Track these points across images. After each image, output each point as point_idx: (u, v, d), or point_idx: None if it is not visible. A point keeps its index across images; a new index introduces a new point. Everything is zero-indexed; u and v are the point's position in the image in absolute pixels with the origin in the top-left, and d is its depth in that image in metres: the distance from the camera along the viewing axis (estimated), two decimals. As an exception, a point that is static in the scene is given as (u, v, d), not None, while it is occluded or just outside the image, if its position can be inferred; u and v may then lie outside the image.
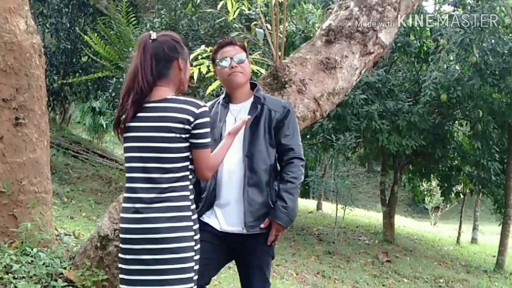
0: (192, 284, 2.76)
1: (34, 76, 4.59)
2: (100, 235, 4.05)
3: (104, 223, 4.09)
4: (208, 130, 2.79)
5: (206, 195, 3.29)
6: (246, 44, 4.64)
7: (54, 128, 15.24)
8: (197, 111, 2.74)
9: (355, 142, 11.23)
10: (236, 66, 3.36)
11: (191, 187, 2.85)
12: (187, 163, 2.79)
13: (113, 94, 11.39)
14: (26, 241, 4.32)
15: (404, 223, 19.30)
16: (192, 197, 2.83)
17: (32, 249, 4.26)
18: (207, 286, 3.32)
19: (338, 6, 4.62)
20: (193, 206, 2.84)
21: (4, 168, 4.45)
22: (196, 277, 2.81)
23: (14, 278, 3.95)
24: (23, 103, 4.50)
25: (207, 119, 2.80)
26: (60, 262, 4.24)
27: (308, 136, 12.77)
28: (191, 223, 2.78)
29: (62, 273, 4.12)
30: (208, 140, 2.80)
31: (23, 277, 3.98)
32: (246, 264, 3.35)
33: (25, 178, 4.51)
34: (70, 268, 4.19)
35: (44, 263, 4.16)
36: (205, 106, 2.80)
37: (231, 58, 3.37)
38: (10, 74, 4.45)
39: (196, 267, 2.81)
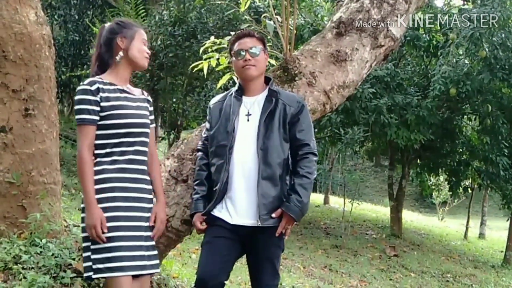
0: None
1: (43, 67, 4.58)
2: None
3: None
4: (79, 107, 3.06)
5: (219, 187, 3.29)
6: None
7: (62, 120, 15.26)
8: None
9: (363, 136, 11.21)
10: (249, 59, 3.35)
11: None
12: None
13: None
14: (35, 232, 4.32)
15: (411, 217, 19.28)
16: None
17: (41, 240, 4.25)
18: None
19: (349, -1, 4.59)
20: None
21: (14, 159, 4.45)
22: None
23: (23, 268, 3.96)
24: (33, 94, 4.49)
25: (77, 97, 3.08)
26: (69, 253, 4.23)
27: (316, 130, 12.74)
28: None
29: (71, 264, 4.12)
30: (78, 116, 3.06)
31: (32, 268, 3.99)
32: (257, 257, 3.34)
33: (34, 169, 4.51)
34: (79, 259, 4.19)
35: (53, 254, 4.16)
36: (82, 84, 3.11)
37: (246, 51, 3.36)
38: (20, 65, 4.44)
39: None
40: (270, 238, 3.26)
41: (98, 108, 3.06)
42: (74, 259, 4.17)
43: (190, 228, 3.70)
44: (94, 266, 3.03)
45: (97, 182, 3.05)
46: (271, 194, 3.23)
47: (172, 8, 11.62)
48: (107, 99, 3.09)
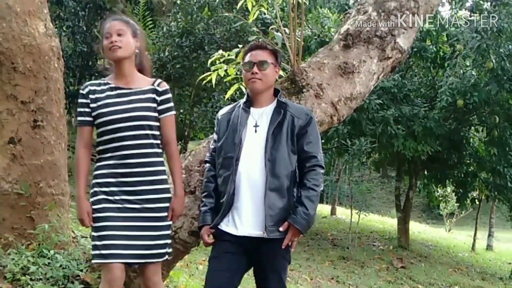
0: None
1: (52, 79, 4.62)
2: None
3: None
4: (77, 110, 3.33)
5: (226, 199, 3.29)
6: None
7: (70, 131, 15.28)
8: None
9: (370, 147, 11.20)
10: (257, 73, 3.35)
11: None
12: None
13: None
14: (43, 243, 4.34)
15: (418, 229, 19.19)
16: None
17: (49, 251, 4.27)
18: None
19: (356, 11, 4.60)
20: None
21: (22, 170, 4.48)
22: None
23: (31, 279, 3.97)
24: (42, 106, 4.53)
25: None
26: (77, 264, 4.25)
27: (323, 141, 12.72)
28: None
29: (78, 276, 4.13)
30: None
31: (40, 279, 4.00)
32: (263, 269, 3.33)
33: (43, 180, 4.53)
34: (87, 270, 4.20)
35: (61, 265, 4.17)
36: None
37: (255, 63, 3.36)
38: (29, 76, 4.48)
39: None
40: (277, 250, 3.24)
41: (89, 110, 3.28)
42: (82, 270, 4.18)
43: (198, 240, 3.71)
44: (92, 252, 3.28)
45: (94, 177, 3.31)
46: (278, 205, 3.22)
47: (179, 20, 11.69)
48: (96, 100, 3.28)
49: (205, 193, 3.45)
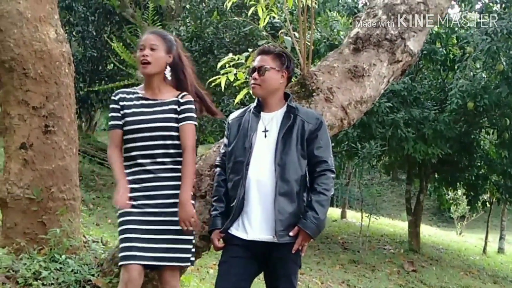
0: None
1: (63, 84, 4.64)
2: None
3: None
4: (109, 114, 3.49)
5: (236, 203, 3.29)
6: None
7: (80, 135, 15.34)
8: None
9: (380, 150, 11.17)
10: (256, 78, 3.36)
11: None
12: None
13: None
14: (54, 247, 4.36)
15: (429, 232, 19.12)
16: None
17: (60, 256, 4.29)
18: None
19: (366, 14, 4.59)
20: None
21: (34, 175, 4.50)
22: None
23: (43, 284, 3.99)
24: (53, 111, 4.55)
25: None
26: (88, 269, 4.26)
27: (332, 144, 12.67)
28: None
29: (90, 280, 4.14)
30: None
31: (52, 284, 4.01)
32: (274, 273, 3.33)
33: (54, 185, 4.55)
34: (98, 275, 4.21)
35: (72, 270, 4.18)
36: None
37: (255, 69, 3.38)
38: (40, 82, 4.51)
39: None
40: (287, 254, 3.24)
41: (119, 115, 3.40)
42: (93, 275, 4.19)
43: (208, 244, 3.72)
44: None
45: None
46: (288, 210, 3.22)
47: (189, 24, 11.71)
48: (124, 107, 3.41)
49: (216, 198, 3.46)
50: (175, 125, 3.36)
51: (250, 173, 3.28)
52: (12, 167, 4.52)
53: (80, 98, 14.71)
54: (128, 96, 3.45)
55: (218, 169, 3.55)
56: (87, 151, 14.55)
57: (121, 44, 12.60)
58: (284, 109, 3.41)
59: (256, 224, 3.25)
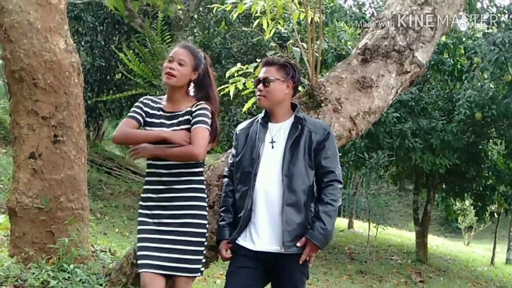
0: None
1: (72, 94, 4.67)
2: (137, 252, 4.06)
3: (140, 240, 4.10)
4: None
5: (243, 214, 3.30)
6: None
7: (88, 145, 15.39)
8: None
9: (387, 160, 11.15)
10: (261, 90, 3.38)
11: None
12: None
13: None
14: (63, 257, 4.37)
15: (436, 242, 19.04)
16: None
17: (69, 265, 4.30)
18: None
19: (374, 25, 4.61)
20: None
21: (43, 184, 4.52)
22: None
23: (51, 293, 4.00)
24: (62, 121, 4.58)
25: None
26: (97, 279, 4.27)
27: (340, 154, 12.65)
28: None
29: (98, 290, 4.16)
30: None
31: (60, 293, 4.03)
32: (281, 284, 3.32)
33: (63, 194, 4.57)
34: (106, 285, 4.22)
35: (80, 280, 4.20)
36: None
37: (260, 80, 3.39)
38: (50, 92, 4.53)
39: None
40: (294, 265, 3.23)
41: (142, 114, 3.47)
42: (101, 285, 4.20)
43: (216, 255, 3.71)
44: None
45: (142, 191, 3.50)
46: (296, 221, 3.22)
47: (197, 34, 11.78)
48: (148, 114, 3.49)
49: (223, 208, 3.47)
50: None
51: (257, 184, 3.29)
52: (21, 177, 4.54)
53: (88, 107, 14.75)
54: (152, 104, 3.52)
55: (226, 179, 3.57)
56: (95, 160, 14.56)
57: (130, 52, 12.65)
58: (291, 119, 3.41)
59: (263, 234, 3.26)
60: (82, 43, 14.97)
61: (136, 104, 3.52)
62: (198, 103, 3.44)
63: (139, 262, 3.35)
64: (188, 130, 3.36)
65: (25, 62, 4.46)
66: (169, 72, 3.39)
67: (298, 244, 3.20)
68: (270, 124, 3.43)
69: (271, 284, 3.41)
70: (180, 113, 3.43)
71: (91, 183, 11.90)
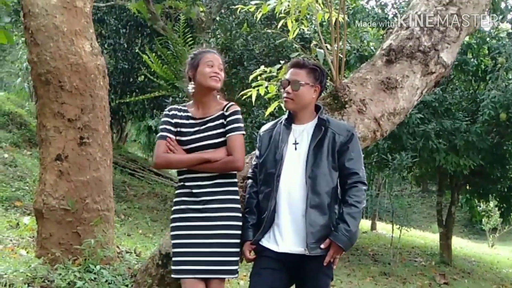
0: None
1: (98, 96, 4.71)
2: (162, 253, 4.09)
3: (166, 241, 4.12)
4: (160, 127, 3.54)
5: (267, 215, 3.30)
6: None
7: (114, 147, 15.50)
8: None
9: (411, 161, 11.07)
10: (289, 92, 3.37)
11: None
12: None
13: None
14: (89, 258, 4.41)
15: (460, 244, 18.86)
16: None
17: (95, 266, 4.33)
18: None
19: (399, 26, 4.59)
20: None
21: (69, 186, 4.57)
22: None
23: (78, 294, 4.04)
24: (88, 123, 4.62)
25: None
26: (122, 280, 4.30)
27: (363, 155, 12.60)
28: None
29: (124, 291, 4.19)
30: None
31: (87, 294, 4.06)
32: (305, 286, 3.32)
33: (89, 196, 4.61)
34: (132, 285, 4.25)
35: (106, 280, 4.23)
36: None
37: (289, 82, 3.38)
38: (76, 94, 4.58)
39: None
40: (318, 267, 3.22)
41: (173, 129, 3.47)
42: (127, 286, 4.23)
43: (240, 256, 3.72)
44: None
45: (175, 196, 3.50)
46: (319, 222, 3.21)
47: (219, 36, 11.78)
48: (176, 124, 3.48)
49: (247, 209, 3.47)
50: (223, 139, 3.40)
51: (281, 185, 3.29)
52: (47, 179, 4.59)
53: (111, 109, 14.79)
54: (179, 114, 3.53)
55: (250, 180, 3.57)
56: (118, 162, 14.67)
57: (153, 54, 12.73)
58: (315, 121, 3.40)
59: (287, 236, 3.25)
60: (105, 46, 15.07)
61: (163, 119, 3.52)
62: (229, 105, 3.47)
63: (176, 267, 3.35)
64: (222, 134, 3.39)
65: (51, 65, 4.51)
66: (216, 77, 3.43)
67: (322, 246, 3.19)
68: (293, 126, 3.43)
69: (295, 286, 3.41)
70: (212, 117, 3.45)
71: (114, 185, 11.93)
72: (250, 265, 3.42)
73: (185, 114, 3.52)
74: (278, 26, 4.94)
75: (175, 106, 3.61)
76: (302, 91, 3.36)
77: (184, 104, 3.63)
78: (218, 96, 3.54)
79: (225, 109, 3.45)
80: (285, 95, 3.40)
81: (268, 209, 3.29)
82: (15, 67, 20.52)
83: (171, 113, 3.53)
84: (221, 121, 3.42)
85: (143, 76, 15.33)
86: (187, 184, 3.40)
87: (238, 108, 3.47)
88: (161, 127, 3.50)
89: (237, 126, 3.40)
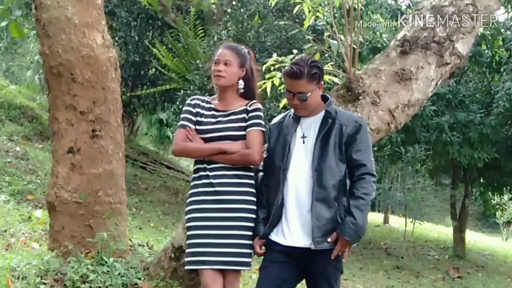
0: None
1: (110, 89, 4.69)
2: (174, 246, 4.08)
3: (178, 234, 4.12)
4: (181, 116, 3.58)
5: (274, 209, 3.29)
6: (317, 56, 4.61)
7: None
8: None
9: (424, 154, 11.00)
10: (297, 104, 3.31)
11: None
12: None
13: (180, 106, 11.52)
14: (101, 251, 4.39)
15: (474, 237, 18.78)
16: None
17: (108, 259, 4.32)
18: None
19: (413, 17, 4.53)
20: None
21: (81, 179, 4.55)
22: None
23: (90, 287, 4.02)
24: (100, 116, 4.59)
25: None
26: (135, 273, 4.29)
27: (375, 149, 12.58)
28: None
29: (136, 284, 4.17)
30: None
31: (99, 287, 4.04)
32: (314, 279, 3.30)
33: (101, 189, 4.60)
34: (145, 278, 4.24)
35: (119, 273, 4.21)
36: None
37: (294, 94, 3.30)
38: (87, 87, 4.55)
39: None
40: (327, 260, 3.19)
41: (193, 118, 3.52)
42: (140, 279, 4.22)
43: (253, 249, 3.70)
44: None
45: (191, 188, 3.52)
46: (326, 216, 3.17)
47: (230, 28, 11.73)
48: (197, 114, 3.53)
49: (258, 203, 3.44)
50: (244, 133, 3.43)
51: (288, 179, 3.27)
52: (60, 171, 4.57)
53: (122, 102, 14.78)
54: (202, 104, 3.58)
55: (261, 173, 3.54)
56: (129, 155, 14.66)
57: (164, 47, 12.71)
58: (322, 113, 3.35)
59: (294, 230, 3.24)
60: (116, 38, 15.03)
61: (185, 108, 3.57)
62: (252, 102, 3.51)
63: (192, 258, 3.37)
64: (243, 128, 3.43)
65: (63, 57, 4.48)
66: (218, 74, 3.48)
67: (329, 240, 3.16)
68: (301, 119, 3.38)
69: (305, 280, 3.39)
70: (235, 110, 3.49)
71: (126, 178, 11.96)
72: (261, 259, 3.40)
73: (208, 105, 3.57)
74: (294, 11, 4.90)
75: (199, 96, 3.68)
76: (310, 97, 3.29)
77: (212, 97, 3.67)
78: (242, 84, 3.56)
79: (248, 105, 3.49)
80: (295, 106, 3.34)
81: (275, 203, 3.28)
82: (26, 60, 20.56)
83: (193, 102, 3.59)
84: (243, 115, 3.46)
85: (154, 69, 15.31)
86: (204, 174, 3.41)
87: (261, 106, 3.51)
88: (182, 115, 3.56)
89: (258, 122, 3.44)
